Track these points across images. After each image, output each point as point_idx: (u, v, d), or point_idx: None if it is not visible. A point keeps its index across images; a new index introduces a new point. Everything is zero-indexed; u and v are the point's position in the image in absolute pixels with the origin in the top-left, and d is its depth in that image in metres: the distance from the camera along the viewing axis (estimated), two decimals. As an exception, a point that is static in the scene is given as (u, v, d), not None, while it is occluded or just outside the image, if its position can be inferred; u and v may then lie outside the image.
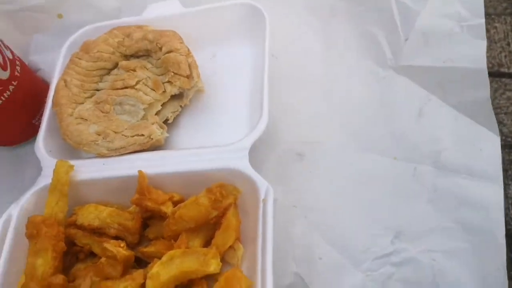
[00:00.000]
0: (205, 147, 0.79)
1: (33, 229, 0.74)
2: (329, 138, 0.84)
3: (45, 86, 0.94)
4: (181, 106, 0.88)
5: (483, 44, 0.81)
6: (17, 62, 0.87)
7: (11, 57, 0.86)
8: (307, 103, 0.87)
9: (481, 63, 0.79)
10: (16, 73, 0.86)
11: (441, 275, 0.70)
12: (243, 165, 0.75)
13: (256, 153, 0.77)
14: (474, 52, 0.80)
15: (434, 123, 0.80)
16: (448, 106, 0.80)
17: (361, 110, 0.85)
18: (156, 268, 0.67)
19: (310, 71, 0.90)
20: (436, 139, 0.79)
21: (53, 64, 0.94)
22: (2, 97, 0.83)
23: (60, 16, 1.02)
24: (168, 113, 0.87)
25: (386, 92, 0.85)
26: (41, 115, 0.89)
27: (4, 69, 0.83)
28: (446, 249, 0.72)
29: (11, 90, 0.85)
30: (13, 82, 0.85)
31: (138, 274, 0.69)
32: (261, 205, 0.71)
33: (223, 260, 0.72)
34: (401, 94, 0.84)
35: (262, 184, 0.72)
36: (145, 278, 0.67)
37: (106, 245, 0.71)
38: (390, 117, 0.83)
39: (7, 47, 0.86)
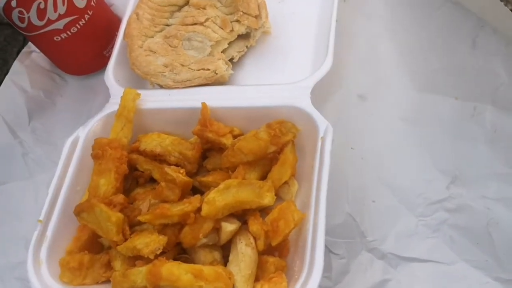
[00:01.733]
0: (268, 84, 0.80)
1: (98, 150, 0.77)
2: (390, 80, 0.84)
3: (117, 20, 0.98)
4: (247, 46, 0.89)
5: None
6: (94, -7, 0.91)
7: (88, -13, 0.89)
8: (369, 46, 0.88)
9: None
10: (92, 3, 0.89)
11: (494, 224, 0.70)
12: (305, 103, 0.75)
13: (318, 94, 0.77)
14: None
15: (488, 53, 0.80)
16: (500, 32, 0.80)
17: (421, 49, 0.85)
18: (212, 194, 0.69)
19: (375, 14, 0.91)
20: (491, 72, 0.79)
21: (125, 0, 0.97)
22: (77, 25, 0.87)
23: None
24: (234, 52, 0.88)
25: (442, 25, 0.85)
26: (112, 47, 0.92)
27: (82, -3, 0.86)
28: (501, 196, 0.72)
29: (86, 20, 0.88)
30: (88, 12, 0.88)
31: (195, 198, 0.71)
32: (319, 143, 0.71)
33: (277, 195, 0.74)
34: (455, 24, 0.84)
35: (322, 122, 0.73)
36: (201, 203, 0.70)
37: (166, 169, 0.74)
38: (447, 51, 0.83)
39: (85, -23, 0.90)
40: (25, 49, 1.02)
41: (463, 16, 0.84)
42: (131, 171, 0.79)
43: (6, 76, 0.99)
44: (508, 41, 0.80)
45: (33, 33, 0.86)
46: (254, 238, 0.69)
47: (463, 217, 0.72)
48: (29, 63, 1.01)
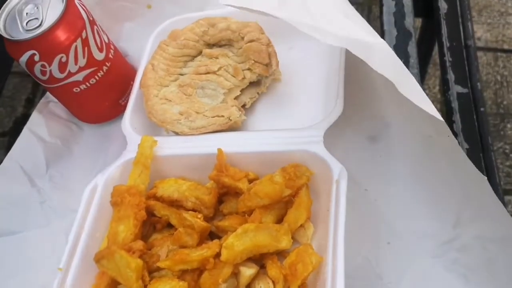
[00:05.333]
0: (281, 129, 0.82)
1: (117, 197, 0.79)
2: (398, 122, 0.86)
3: (132, 70, 1.01)
4: (258, 93, 0.92)
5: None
6: (111, 46, 0.94)
7: (107, 41, 0.93)
8: (375, 90, 0.90)
9: None
10: (110, 55, 0.93)
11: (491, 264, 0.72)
12: (318, 148, 0.77)
13: (329, 136, 0.79)
14: None
15: None
16: None
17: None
18: (231, 239, 0.70)
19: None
20: None
21: (140, 51, 1.00)
22: (96, 77, 0.90)
23: (149, 7, 1.09)
24: (246, 98, 0.91)
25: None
26: (128, 96, 0.96)
27: (101, 51, 0.90)
28: (497, 236, 0.73)
29: (104, 71, 0.91)
30: (106, 64, 0.91)
31: (213, 243, 0.72)
32: (334, 186, 0.73)
33: (293, 238, 0.75)
34: None
35: (336, 166, 0.75)
36: (220, 248, 0.71)
37: (185, 214, 0.76)
38: None
39: (104, 32, 0.93)
40: (43, 100, 1.05)
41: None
42: (149, 217, 0.81)
43: (25, 127, 1.01)
44: None
45: (54, 85, 0.89)
46: (273, 282, 0.70)
47: (469, 257, 0.73)
48: (47, 113, 1.04)
